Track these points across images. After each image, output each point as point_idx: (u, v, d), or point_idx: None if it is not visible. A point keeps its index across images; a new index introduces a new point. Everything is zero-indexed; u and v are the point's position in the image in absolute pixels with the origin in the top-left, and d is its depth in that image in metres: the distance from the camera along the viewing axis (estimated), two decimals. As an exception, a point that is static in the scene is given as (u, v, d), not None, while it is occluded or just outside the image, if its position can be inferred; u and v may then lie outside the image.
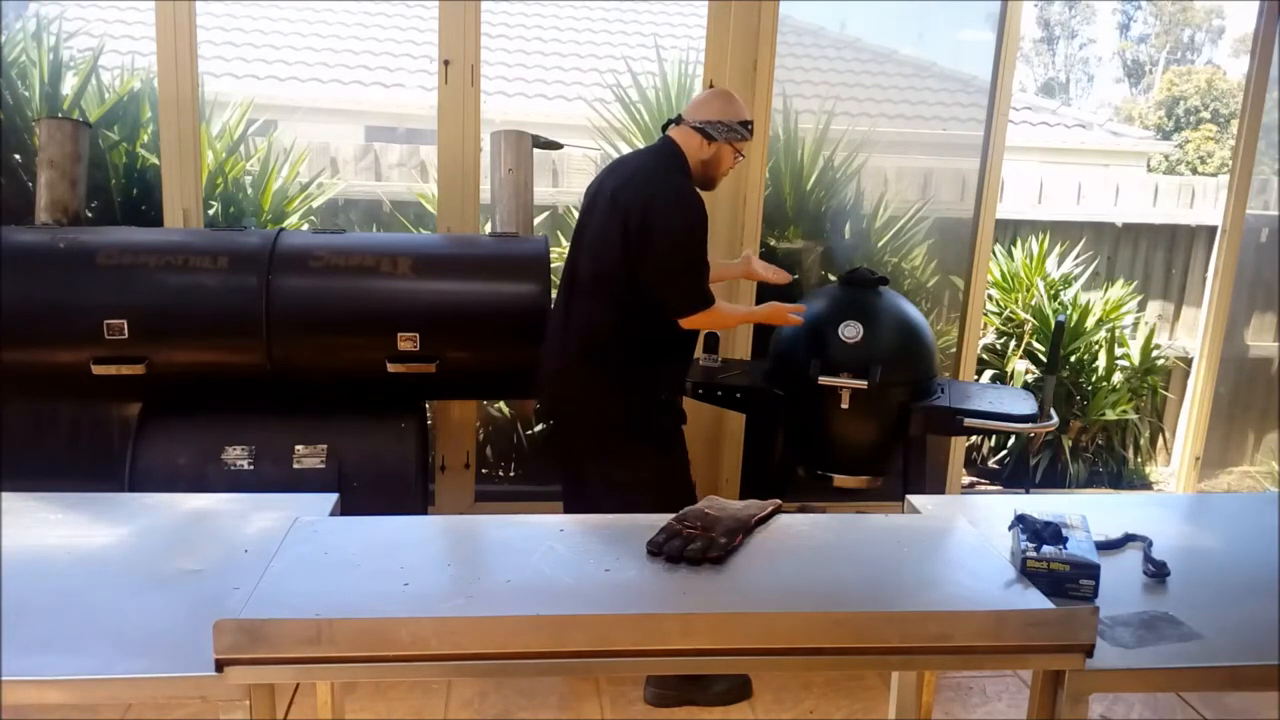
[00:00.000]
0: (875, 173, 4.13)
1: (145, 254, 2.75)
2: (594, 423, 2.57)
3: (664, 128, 2.62)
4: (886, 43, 4.93)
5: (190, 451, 2.78)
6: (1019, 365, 4.68)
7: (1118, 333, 4.80)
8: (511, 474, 4.12)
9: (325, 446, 2.82)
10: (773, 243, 3.93)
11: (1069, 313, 4.66)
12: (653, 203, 2.43)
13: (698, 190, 2.52)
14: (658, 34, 6.35)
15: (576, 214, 2.73)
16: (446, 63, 3.29)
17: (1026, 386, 4.51)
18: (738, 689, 2.65)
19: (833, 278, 3.76)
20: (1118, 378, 4.78)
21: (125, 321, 2.69)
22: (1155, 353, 4.86)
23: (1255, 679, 1.46)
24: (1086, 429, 4.74)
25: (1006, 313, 4.81)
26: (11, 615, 1.39)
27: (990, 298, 4.69)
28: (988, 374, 4.72)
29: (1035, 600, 1.50)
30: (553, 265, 3.03)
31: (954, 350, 3.95)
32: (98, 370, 2.69)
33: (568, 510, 2.71)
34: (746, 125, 2.57)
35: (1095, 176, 5.89)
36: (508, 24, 6.56)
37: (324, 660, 1.30)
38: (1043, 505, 1.82)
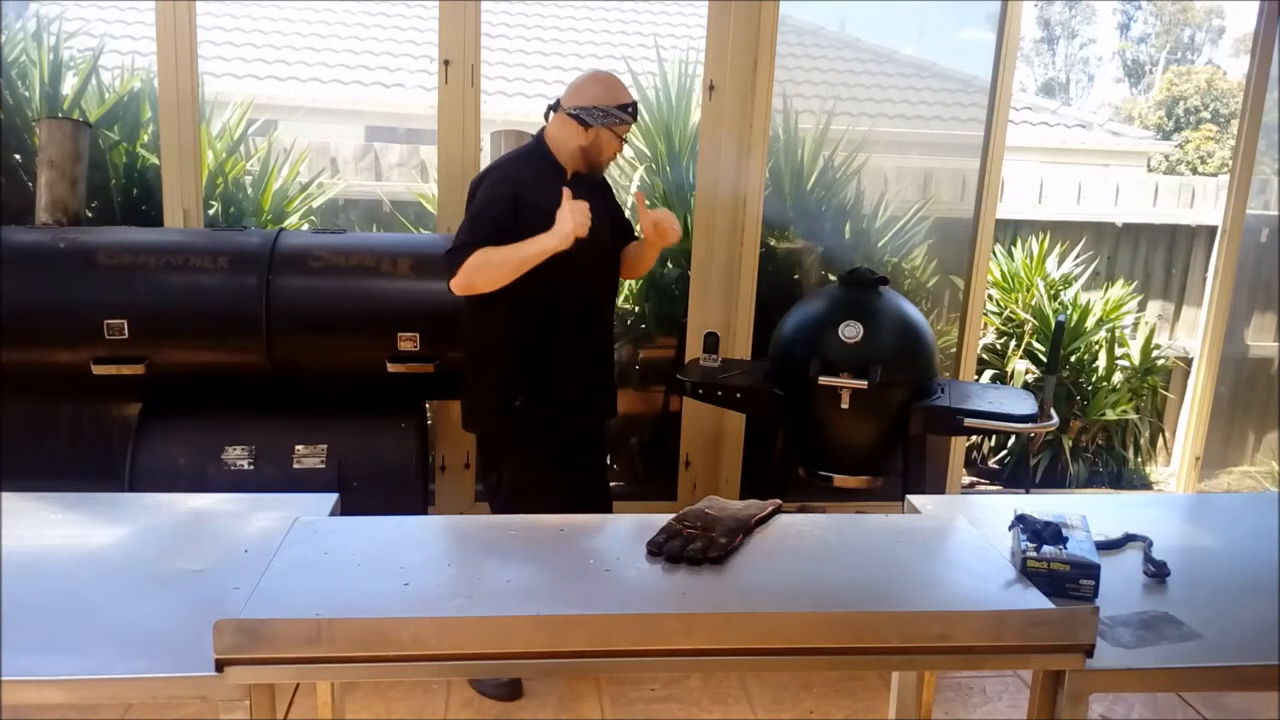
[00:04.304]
0: (875, 173, 4.13)
1: (145, 254, 2.75)
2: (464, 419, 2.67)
3: (546, 113, 2.58)
4: (886, 43, 4.92)
5: (190, 451, 2.78)
6: (1019, 365, 4.68)
7: (1118, 333, 4.79)
8: (511, 474, 4.11)
9: (325, 446, 2.82)
10: (773, 243, 3.93)
11: (1069, 313, 4.66)
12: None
13: (515, 174, 2.47)
14: (658, 34, 6.35)
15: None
16: (446, 63, 3.29)
17: (1026, 386, 4.51)
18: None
19: (833, 278, 3.76)
20: (1118, 378, 4.78)
21: (125, 321, 2.69)
22: (1155, 353, 4.86)
23: (1255, 679, 1.46)
24: (1086, 429, 4.74)
25: (1006, 313, 4.81)
26: (11, 615, 1.39)
27: (990, 298, 4.69)
28: (988, 374, 4.72)
29: (1035, 600, 1.50)
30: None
31: (954, 350, 3.95)
32: (98, 370, 2.69)
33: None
34: (626, 109, 2.48)
35: (1095, 176, 5.89)
36: (508, 24, 6.56)
37: (324, 660, 1.30)
38: (1043, 505, 1.81)
